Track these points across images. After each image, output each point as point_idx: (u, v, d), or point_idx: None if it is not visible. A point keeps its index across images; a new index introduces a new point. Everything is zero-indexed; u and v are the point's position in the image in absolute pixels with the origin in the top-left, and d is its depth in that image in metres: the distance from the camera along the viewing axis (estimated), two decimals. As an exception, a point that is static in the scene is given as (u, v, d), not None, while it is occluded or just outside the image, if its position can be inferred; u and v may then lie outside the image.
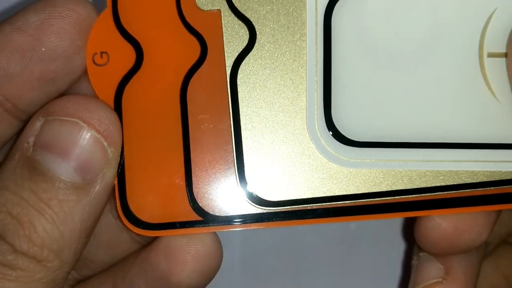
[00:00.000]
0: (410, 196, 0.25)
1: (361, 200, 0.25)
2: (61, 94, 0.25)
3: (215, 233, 0.26)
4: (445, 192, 0.25)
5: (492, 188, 0.25)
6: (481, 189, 0.25)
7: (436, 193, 0.25)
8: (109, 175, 0.24)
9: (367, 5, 0.25)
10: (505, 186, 0.25)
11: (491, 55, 0.25)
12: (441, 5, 0.25)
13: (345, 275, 0.37)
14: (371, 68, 0.25)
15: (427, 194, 0.25)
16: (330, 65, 0.25)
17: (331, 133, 0.25)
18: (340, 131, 0.25)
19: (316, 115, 0.25)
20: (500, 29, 0.25)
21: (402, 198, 0.25)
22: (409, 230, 0.36)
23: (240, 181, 0.25)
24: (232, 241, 0.36)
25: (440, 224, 0.26)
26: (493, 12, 0.25)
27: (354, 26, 0.25)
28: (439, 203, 0.25)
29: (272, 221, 0.25)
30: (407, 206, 0.25)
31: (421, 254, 0.29)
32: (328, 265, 0.37)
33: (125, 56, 0.25)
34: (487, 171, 0.25)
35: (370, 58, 0.25)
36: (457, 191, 0.25)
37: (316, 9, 0.24)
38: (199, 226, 0.25)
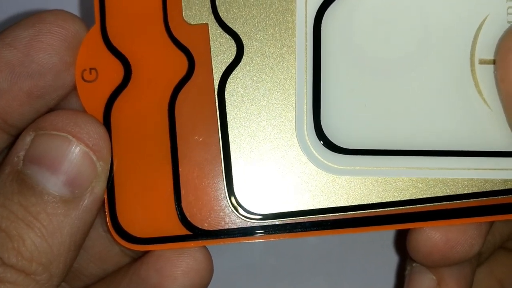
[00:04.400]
0: (401, 208, 0.25)
1: (352, 213, 0.25)
2: (51, 109, 0.25)
3: (205, 247, 0.26)
4: (437, 204, 0.25)
5: (484, 199, 0.25)
6: (472, 200, 0.25)
7: (428, 205, 0.25)
8: (98, 189, 0.24)
9: (357, 14, 0.25)
10: (497, 197, 0.25)
11: (482, 62, 0.25)
12: (432, 12, 0.25)
13: (342, 278, 0.37)
14: (361, 76, 0.25)
15: (418, 205, 0.25)
16: (319, 74, 0.25)
17: (321, 142, 0.25)
18: (330, 139, 0.25)
19: (305, 124, 0.25)
20: (492, 36, 0.25)
21: (393, 210, 0.25)
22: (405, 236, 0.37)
23: (229, 195, 0.25)
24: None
25: (432, 237, 0.26)
26: (485, 19, 0.25)
27: (344, 34, 0.25)
28: (431, 215, 0.25)
29: (262, 234, 0.25)
30: (398, 219, 0.25)
31: (414, 264, 0.29)
32: (326, 267, 0.37)
33: (114, 72, 0.25)
34: (479, 180, 0.25)
35: (359, 66, 0.25)
36: (449, 202, 0.25)
37: (305, 19, 0.25)
38: (188, 241, 0.25)
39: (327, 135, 0.25)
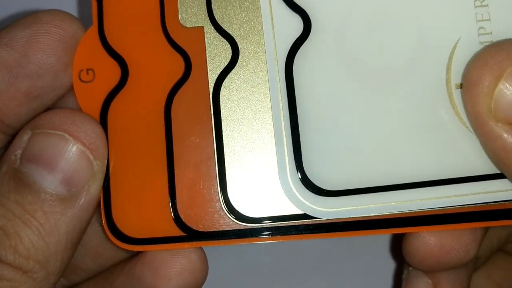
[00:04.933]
0: (396, 212, 0.25)
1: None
2: (48, 109, 0.25)
3: (201, 248, 0.26)
4: (432, 209, 0.25)
5: (479, 204, 0.25)
6: (468, 205, 0.25)
7: (423, 209, 0.25)
8: (95, 187, 0.24)
9: (327, 53, 0.25)
10: (492, 203, 0.25)
11: (458, 86, 0.24)
12: (405, 43, 0.25)
13: (342, 278, 0.37)
14: (338, 114, 0.25)
15: (414, 210, 0.25)
16: (297, 123, 0.25)
17: (307, 188, 0.24)
18: (313, 182, 0.25)
19: (288, 171, 0.25)
20: (466, 59, 0.24)
21: (388, 214, 0.25)
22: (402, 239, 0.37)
23: (222, 197, 0.25)
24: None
25: (427, 242, 0.26)
26: (457, 42, 0.24)
27: (316, 74, 0.25)
28: (426, 219, 0.25)
29: (255, 237, 0.25)
30: (393, 223, 0.25)
31: (410, 268, 0.30)
32: (325, 267, 0.37)
33: (111, 73, 0.25)
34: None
35: (336, 108, 0.25)
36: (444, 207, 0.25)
37: (276, 62, 0.25)
38: (182, 242, 0.25)
39: (310, 178, 0.25)
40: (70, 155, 0.23)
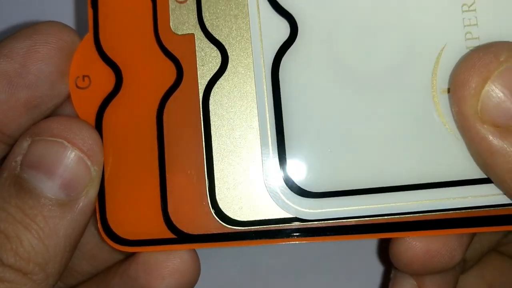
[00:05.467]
0: (383, 218, 0.25)
1: (332, 221, 0.25)
2: (46, 117, 0.25)
3: (193, 249, 0.26)
4: (418, 214, 0.25)
5: (466, 211, 0.25)
6: (453, 211, 0.25)
7: (409, 215, 0.25)
8: (92, 192, 0.25)
9: (312, 60, 0.25)
10: (478, 209, 0.25)
11: (444, 91, 0.25)
12: (392, 46, 0.25)
13: (341, 278, 0.37)
14: (323, 118, 0.25)
15: (400, 215, 0.25)
16: (282, 125, 0.25)
17: (290, 189, 0.25)
18: (298, 184, 0.25)
19: (273, 172, 0.25)
20: (452, 64, 0.24)
21: (374, 219, 0.25)
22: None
23: (211, 201, 0.25)
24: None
25: (413, 247, 0.26)
26: (444, 46, 0.25)
27: (301, 79, 0.25)
28: (412, 225, 0.25)
29: (242, 240, 0.25)
30: (380, 228, 0.25)
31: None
32: (325, 268, 0.37)
33: (106, 79, 0.26)
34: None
35: (321, 111, 0.25)
36: (431, 213, 0.25)
37: (263, 65, 0.25)
38: (173, 244, 0.25)
39: (295, 181, 0.25)
40: (68, 161, 0.24)
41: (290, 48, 0.25)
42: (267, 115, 0.25)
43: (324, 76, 0.25)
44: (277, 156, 0.25)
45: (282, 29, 0.25)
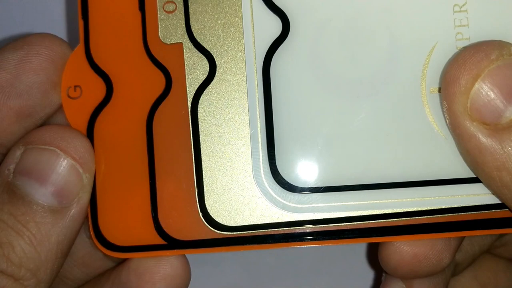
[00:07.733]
0: (371, 221, 0.25)
1: (319, 226, 0.26)
2: (38, 126, 0.26)
3: (183, 255, 0.27)
4: (407, 218, 0.25)
5: (453, 214, 0.25)
6: (441, 215, 0.25)
7: (397, 219, 0.25)
8: (84, 199, 0.25)
9: (303, 57, 0.25)
10: (467, 213, 0.25)
11: (433, 91, 0.25)
12: (381, 45, 0.25)
13: (341, 279, 0.37)
14: (313, 115, 0.25)
15: (388, 220, 0.25)
16: (272, 120, 0.25)
17: (278, 184, 0.25)
18: (286, 179, 0.25)
19: (262, 170, 0.26)
20: (442, 64, 0.25)
21: (363, 223, 0.25)
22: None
23: (200, 208, 0.26)
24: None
25: (400, 251, 0.27)
26: (434, 46, 0.25)
27: (292, 76, 0.25)
28: (400, 229, 0.25)
29: (232, 245, 0.26)
30: (368, 232, 0.26)
31: None
32: (324, 268, 0.37)
33: (97, 89, 0.26)
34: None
35: (310, 109, 0.25)
36: (419, 217, 0.25)
37: (255, 66, 0.26)
38: (163, 250, 0.26)
39: (284, 177, 0.25)
40: (61, 169, 0.24)
41: (282, 44, 0.25)
42: (258, 108, 0.25)
43: (314, 73, 0.25)
44: (266, 151, 0.25)
45: (275, 26, 0.26)
